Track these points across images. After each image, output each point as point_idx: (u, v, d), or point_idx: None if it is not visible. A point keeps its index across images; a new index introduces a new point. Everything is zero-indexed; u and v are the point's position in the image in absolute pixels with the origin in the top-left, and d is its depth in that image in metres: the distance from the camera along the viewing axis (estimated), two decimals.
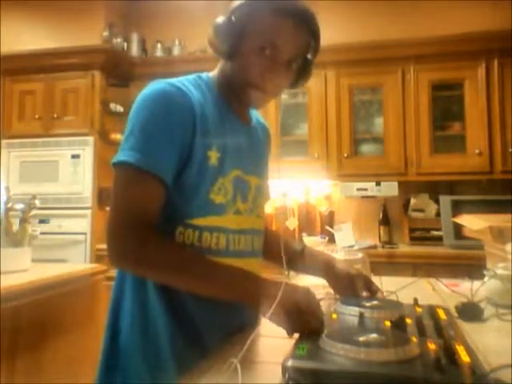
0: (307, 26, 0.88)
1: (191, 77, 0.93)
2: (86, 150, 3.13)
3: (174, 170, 0.82)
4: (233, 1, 0.90)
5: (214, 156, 0.86)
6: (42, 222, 3.02)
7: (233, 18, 0.87)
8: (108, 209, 0.82)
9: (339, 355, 0.60)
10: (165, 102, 0.83)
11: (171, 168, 0.82)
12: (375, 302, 0.89)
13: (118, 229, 0.79)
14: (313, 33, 0.90)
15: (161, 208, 0.82)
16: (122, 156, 0.80)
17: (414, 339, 0.65)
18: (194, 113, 0.84)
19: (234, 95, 0.93)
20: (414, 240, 2.98)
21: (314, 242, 2.82)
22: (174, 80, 0.87)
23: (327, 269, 1.05)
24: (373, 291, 1.00)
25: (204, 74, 0.95)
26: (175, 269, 0.80)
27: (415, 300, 0.93)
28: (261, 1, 0.87)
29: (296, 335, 0.71)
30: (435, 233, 2.93)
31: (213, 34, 0.88)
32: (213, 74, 0.96)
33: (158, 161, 0.80)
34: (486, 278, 1.14)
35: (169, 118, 0.82)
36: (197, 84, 0.91)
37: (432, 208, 3.01)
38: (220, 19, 0.88)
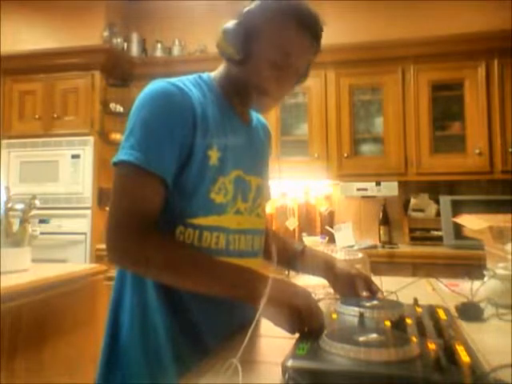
0: (318, 37, 0.90)
1: (191, 76, 0.93)
2: (86, 150, 3.13)
3: (175, 169, 0.82)
4: (242, 1, 0.89)
5: (214, 155, 0.86)
6: (41, 221, 3.02)
7: (245, 23, 0.86)
8: (108, 208, 0.82)
9: (339, 355, 0.60)
10: (165, 101, 0.83)
11: (172, 167, 0.82)
12: (375, 302, 0.89)
13: (118, 227, 0.79)
14: (319, 41, 0.91)
15: (161, 207, 0.82)
16: (122, 155, 0.80)
17: (414, 339, 0.65)
18: (194, 112, 0.84)
19: (238, 97, 0.94)
20: (414, 240, 2.98)
21: (314, 242, 2.83)
22: (174, 79, 0.87)
23: (327, 269, 1.05)
24: (373, 291, 1.00)
25: (205, 74, 0.95)
26: (175, 267, 0.80)
27: (415, 300, 0.93)
28: (275, 9, 0.86)
29: (296, 335, 0.71)
30: (435, 233, 2.93)
31: (223, 37, 0.87)
32: (214, 74, 0.96)
33: (158, 160, 0.80)
34: (485, 278, 1.14)
35: (169, 117, 0.82)
36: (197, 83, 0.91)
37: (432, 208, 3.01)
38: (231, 23, 0.87)
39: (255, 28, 0.86)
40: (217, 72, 0.97)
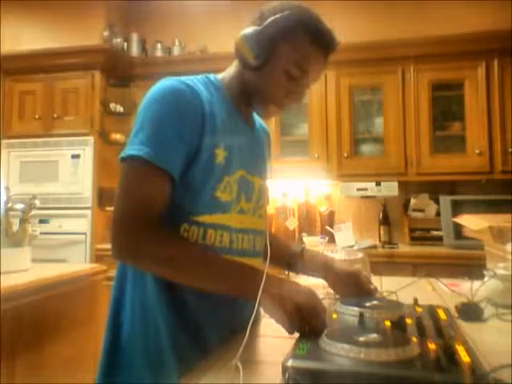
0: (331, 54, 0.92)
1: (199, 76, 0.94)
2: (86, 150, 3.12)
3: (182, 166, 0.83)
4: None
5: (220, 154, 0.87)
6: (41, 222, 3.02)
7: (267, 31, 0.87)
8: (108, 208, 0.82)
9: (339, 355, 0.60)
10: (175, 98, 0.83)
11: (179, 164, 0.82)
12: (375, 302, 0.89)
13: (123, 221, 0.79)
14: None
15: (167, 203, 0.82)
16: (131, 150, 0.80)
17: (414, 339, 0.65)
18: (203, 110, 0.85)
19: (245, 100, 0.95)
20: (414, 240, 2.98)
21: (314, 242, 2.82)
22: (183, 78, 0.87)
23: (326, 269, 1.05)
24: (371, 291, 1.00)
25: (212, 75, 0.96)
26: (179, 263, 0.80)
27: (415, 300, 0.93)
28: (299, 25, 0.87)
29: (296, 335, 0.71)
30: (435, 233, 2.93)
31: (243, 41, 0.88)
32: (222, 76, 0.97)
33: (167, 156, 0.80)
34: (486, 278, 1.14)
35: (178, 115, 0.82)
36: (205, 83, 0.92)
37: (432, 208, 3.00)
38: (253, 29, 0.88)
39: (277, 39, 0.87)
40: (225, 74, 0.97)
